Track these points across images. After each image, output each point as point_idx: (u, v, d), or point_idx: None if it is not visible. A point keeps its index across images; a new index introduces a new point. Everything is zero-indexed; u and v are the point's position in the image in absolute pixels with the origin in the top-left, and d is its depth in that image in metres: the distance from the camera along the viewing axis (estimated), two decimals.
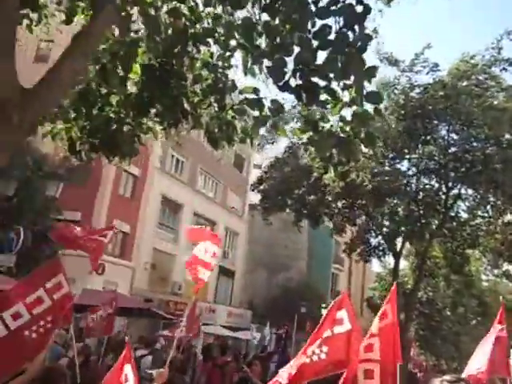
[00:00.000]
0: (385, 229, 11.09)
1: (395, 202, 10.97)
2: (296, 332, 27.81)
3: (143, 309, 17.73)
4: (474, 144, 9.67)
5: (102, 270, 20.39)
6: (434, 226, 12.04)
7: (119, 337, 19.49)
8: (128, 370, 3.97)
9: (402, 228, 10.81)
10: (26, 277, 5.39)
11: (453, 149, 10.04)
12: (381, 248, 12.91)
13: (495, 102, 10.05)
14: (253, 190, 15.72)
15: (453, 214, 12.46)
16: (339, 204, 11.98)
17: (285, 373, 4.43)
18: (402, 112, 10.25)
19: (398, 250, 12.03)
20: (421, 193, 11.30)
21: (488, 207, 11.92)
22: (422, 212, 10.97)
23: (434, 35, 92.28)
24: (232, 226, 32.30)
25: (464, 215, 12.65)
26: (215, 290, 30.30)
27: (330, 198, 11.59)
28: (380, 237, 12.34)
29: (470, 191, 11.89)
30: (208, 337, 24.77)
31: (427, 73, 10.42)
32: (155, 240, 24.76)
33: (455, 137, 9.99)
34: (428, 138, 10.19)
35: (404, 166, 10.72)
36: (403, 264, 21.89)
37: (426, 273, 15.72)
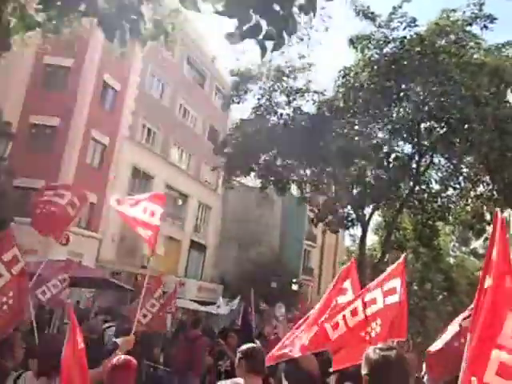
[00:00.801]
0: (353, 192, 10.57)
1: (363, 163, 10.41)
2: (264, 306, 27.77)
3: (109, 281, 17.24)
4: (450, 101, 9.13)
5: (66, 240, 19.71)
6: (403, 194, 11.61)
7: (83, 308, 19.09)
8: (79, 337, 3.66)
9: (369, 191, 10.30)
10: None
11: (427, 107, 9.46)
12: (349, 218, 12.45)
13: (475, 56, 9.58)
14: (216, 154, 14.96)
15: (424, 187, 12.08)
16: (307, 171, 11.44)
17: (294, 344, 4.08)
18: (375, 67, 9.70)
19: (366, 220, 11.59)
20: (392, 155, 10.77)
21: (460, 178, 11.56)
22: (391, 177, 10.48)
23: None
24: (205, 200, 31.80)
25: (436, 186, 12.32)
26: (186, 264, 29.92)
27: (296, 163, 11.01)
28: (349, 207, 11.85)
29: (442, 161, 11.50)
30: (178, 311, 24.57)
31: (404, 28, 9.83)
32: None
33: (430, 94, 9.41)
34: (401, 95, 9.63)
35: (376, 126, 10.09)
36: (372, 238, 21.64)
37: (394, 245, 15.51)
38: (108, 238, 22.94)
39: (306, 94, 10.13)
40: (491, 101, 8.78)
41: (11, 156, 11.03)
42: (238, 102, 11.64)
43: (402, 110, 9.83)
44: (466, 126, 9.19)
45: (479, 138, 9.06)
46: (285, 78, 9.99)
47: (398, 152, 10.62)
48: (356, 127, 9.87)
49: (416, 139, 10.48)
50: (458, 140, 10.00)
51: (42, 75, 21.44)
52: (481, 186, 11.61)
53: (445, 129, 10.19)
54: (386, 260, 20.38)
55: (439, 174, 11.76)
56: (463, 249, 23.21)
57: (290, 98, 10.29)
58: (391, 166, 10.61)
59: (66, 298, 10.21)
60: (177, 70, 28.42)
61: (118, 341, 5.58)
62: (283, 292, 29.62)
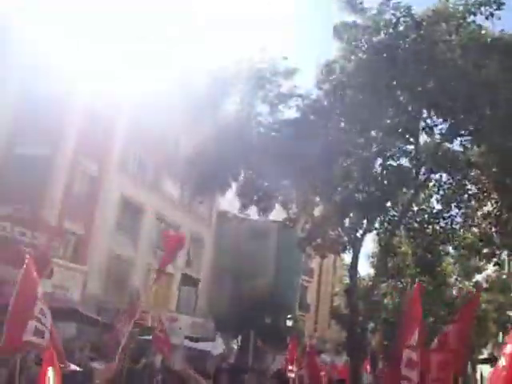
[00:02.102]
0: (337, 198, 9.41)
1: (348, 163, 9.26)
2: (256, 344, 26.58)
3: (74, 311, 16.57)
4: (453, 85, 8.17)
5: (49, 273, 18.82)
6: (400, 209, 10.51)
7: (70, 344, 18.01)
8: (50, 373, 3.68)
9: (356, 196, 9.14)
10: None
11: (426, 95, 8.41)
12: (340, 241, 11.44)
13: (482, 32, 8.65)
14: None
15: (424, 206, 11.10)
16: (293, 190, 10.56)
17: None
18: (364, 56, 8.82)
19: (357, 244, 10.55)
20: (388, 160, 9.57)
21: (465, 196, 10.61)
22: (384, 186, 9.36)
23: None
24: (197, 232, 30.94)
25: (437, 206, 11.32)
26: (178, 299, 28.83)
27: (280, 179, 10.10)
28: (340, 229, 10.85)
29: (444, 177, 10.58)
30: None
31: (398, 19, 8.85)
32: (112, 243, 23.22)
33: (429, 80, 8.38)
34: (394, 83, 8.64)
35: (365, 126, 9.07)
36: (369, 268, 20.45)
37: (391, 272, 14.40)
38: (95, 270, 22.00)
39: (289, 101, 9.30)
40: (503, 84, 7.79)
41: None
42: None
43: (395, 103, 8.76)
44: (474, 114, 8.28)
45: (489, 125, 8.09)
46: (268, 86, 9.17)
47: (393, 157, 9.43)
48: (342, 124, 8.90)
49: (414, 142, 9.46)
50: (465, 132, 9.14)
51: None
52: (488, 204, 10.69)
53: (449, 122, 9.19)
54: (377, 290, 19.28)
55: (440, 192, 10.83)
56: (466, 283, 22.10)
57: (273, 108, 9.42)
58: (384, 172, 9.54)
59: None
60: None
61: (99, 367, 5.53)
62: (277, 328, 28.50)
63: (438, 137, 9.59)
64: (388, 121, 8.78)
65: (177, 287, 28.82)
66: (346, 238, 10.73)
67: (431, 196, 10.86)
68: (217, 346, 25.77)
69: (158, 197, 26.68)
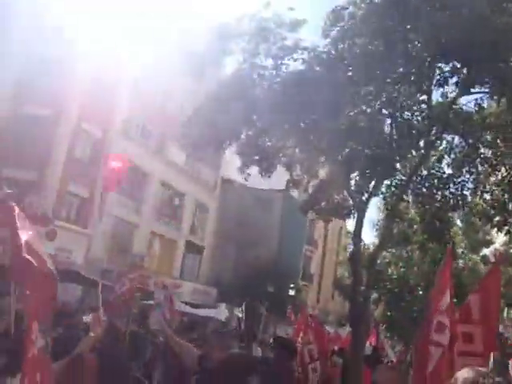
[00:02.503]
0: (342, 155, 8.93)
1: (355, 111, 8.77)
2: (263, 311, 26.74)
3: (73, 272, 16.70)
4: (471, 29, 7.55)
5: (52, 235, 18.86)
6: (408, 171, 10.06)
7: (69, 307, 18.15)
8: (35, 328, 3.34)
9: (366, 151, 8.64)
10: None
11: (443, 40, 7.85)
12: (345, 205, 10.98)
13: None
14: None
15: (433, 170, 10.54)
16: (297, 150, 10.12)
17: None
18: (376, 1, 8.36)
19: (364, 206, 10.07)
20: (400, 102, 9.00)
21: (478, 161, 10.10)
22: (393, 142, 8.93)
23: None
24: (202, 200, 30.86)
25: (448, 170, 10.78)
26: (181, 266, 28.98)
27: (289, 142, 9.66)
28: (345, 193, 10.38)
29: (456, 139, 10.03)
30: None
31: None
32: (116, 208, 23.19)
33: (443, 28, 7.85)
34: (408, 27, 8.08)
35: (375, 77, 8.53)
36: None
37: (398, 239, 13.91)
38: (99, 234, 22.03)
39: (294, 54, 8.77)
40: None
41: None
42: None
43: (407, 50, 8.18)
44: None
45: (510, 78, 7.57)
46: (271, 38, 8.68)
47: (403, 108, 8.85)
48: (350, 73, 8.34)
49: (426, 93, 8.90)
50: (482, 86, 8.64)
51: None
52: (502, 169, 10.19)
53: (464, 72, 8.61)
54: (381, 259, 18.76)
55: (452, 156, 10.34)
56: (473, 256, 21.47)
57: (277, 61, 8.88)
58: (394, 126, 9.03)
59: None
60: None
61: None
62: (280, 297, 28.62)
63: (451, 90, 9.02)
64: (400, 69, 8.28)
65: (181, 254, 28.94)
66: (351, 202, 10.31)
67: (441, 159, 10.37)
68: (220, 313, 26.07)
69: (162, 163, 26.48)
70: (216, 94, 8.95)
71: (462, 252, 20.99)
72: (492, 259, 22.53)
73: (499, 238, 26.44)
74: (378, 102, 8.75)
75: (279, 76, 8.77)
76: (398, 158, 8.87)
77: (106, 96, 22.30)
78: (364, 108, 8.87)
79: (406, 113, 9.01)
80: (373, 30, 7.68)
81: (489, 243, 23.34)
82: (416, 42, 8.14)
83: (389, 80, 8.28)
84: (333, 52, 8.37)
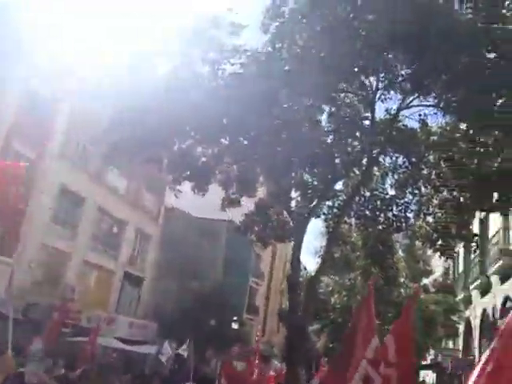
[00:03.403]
0: (281, 177, 8.22)
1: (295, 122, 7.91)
2: (199, 346, 25.34)
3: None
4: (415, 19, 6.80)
5: None
6: (349, 192, 9.50)
7: None
8: None
9: (306, 169, 8.04)
10: None
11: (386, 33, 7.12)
12: (286, 227, 10.24)
13: None
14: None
15: (376, 192, 10.12)
16: (235, 167, 9.39)
17: None
18: None
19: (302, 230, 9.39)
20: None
21: (420, 182, 9.73)
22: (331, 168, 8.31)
23: None
24: (144, 228, 29.43)
25: (391, 191, 10.34)
26: (118, 298, 27.20)
27: (219, 150, 8.84)
28: (285, 213, 9.73)
29: (400, 159, 9.61)
30: (107, 350, 21.97)
31: None
32: (46, 235, 21.47)
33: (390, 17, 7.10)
34: (351, 16, 7.29)
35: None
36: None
37: (340, 263, 13.25)
38: (24, 264, 20.18)
39: (232, 59, 8.09)
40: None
41: None
42: None
43: (350, 43, 7.49)
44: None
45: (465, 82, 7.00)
46: (209, 43, 7.96)
47: (346, 121, 8.26)
48: (286, 67, 7.62)
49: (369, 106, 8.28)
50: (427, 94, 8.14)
51: None
52: (445, 191, 9.86)
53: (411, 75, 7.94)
54: (324, 288, 17.77)
55: (395, 176, 9.95)
56: (414, 285, 21.35)
57: (215, 67, 8.14)
58: (336, 140, 8.48)
59: None
60: None
61: None
62: (222, 331, 27.36)
63: (395, 101, 8.60)
64: (345, 62, 7.65)
65: (118, 285, 27.22)
66: (291, 224, 9.65)
67: (385, 178, 9.99)
68: (161, 350, 24.48)
69: (101, 188, 25.04)
70: (144, 98, 8.00)
71: (404, 281, 20.91)
72: (432, 289, 22.54)
73: (438, 269, 26.73)
74: (319, 115, 8.24)
75: (216, 81, 8.00)
76: (339, 176, 8.36)
77: (43, 112, 20.92)
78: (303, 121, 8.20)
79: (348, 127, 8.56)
80: (314, 20, 7.00)
81: (429, 273, 23.39)
82: (364, 33, 7.37)
83: (328, 74, 7.56)
84: (269, 49, 7.63)
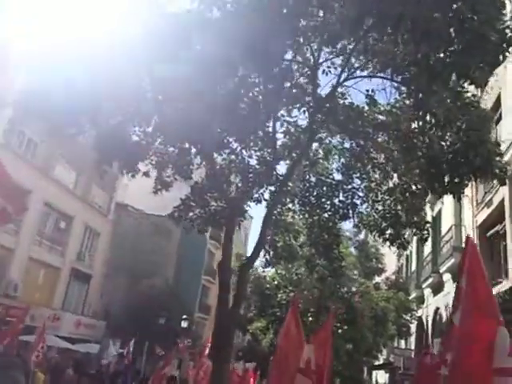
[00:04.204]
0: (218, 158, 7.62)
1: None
2: (149, 348, 24.88)
3: None
4: None
5: None
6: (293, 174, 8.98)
7: None
8: None
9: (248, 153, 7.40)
10: None
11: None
12: (224, 213, 9.65)
13: None
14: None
15: (322, 178, 9.69)
16: (171, 148, 8.85)
17: None
18: None
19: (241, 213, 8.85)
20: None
21: (369, 167, 9.38)
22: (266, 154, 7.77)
23: None
24: (93, 224, 28.56)
25: (338, 177, 9.86)
26: (64, 296, 26.25)
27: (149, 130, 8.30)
28: (223, 201, 9.12)
29: (346, 141, 9.20)
30: (50, 349, 21.07)
31: None
32: None
33: None
34: None
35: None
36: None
37: (283, 254, 12.33)
38: None
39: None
40: None
41: None
42: None
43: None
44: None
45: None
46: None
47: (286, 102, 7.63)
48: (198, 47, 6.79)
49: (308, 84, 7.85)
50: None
51: None
52: (395, 176, 9.53)
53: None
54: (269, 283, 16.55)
55: (342, 160, 9.58)
56: (364, 283, 21.13)
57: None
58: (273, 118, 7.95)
59: None
60: None
61: None
62: (171, 329, 26.91)
63: (340, 70, 7.94)
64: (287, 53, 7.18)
65: (65, 282, 26.28)
66: (230, 210, 9.10)
67: (330, 163, 9.62)
68: (107, 350, 23.81)
69: (47, 181, 24.11)
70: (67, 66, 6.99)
71: (355, 277, 20.50)
72: (384, 287, 22.73)
73: (391, 267, 27.08)
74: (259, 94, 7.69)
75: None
76: (280, 157, 7.88)
77: None
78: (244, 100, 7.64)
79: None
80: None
81: (381, 271, 23.55)
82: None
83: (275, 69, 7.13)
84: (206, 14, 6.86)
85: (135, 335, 23.28)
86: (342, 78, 8.00)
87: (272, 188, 8.94)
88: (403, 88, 7.75)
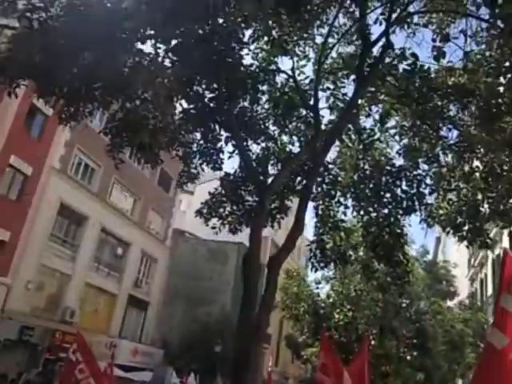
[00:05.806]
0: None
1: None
2: (205, 376, 23.92)
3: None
4: None
5: None
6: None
7: None
8: None
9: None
10: None
11: None
12: (239, 212, 8.24)
13: None
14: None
15: (371, 161, 7.76)
16: (198, 135, 7.91)
17: None
18: None
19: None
20: None
21: (438, 149, 7.44)
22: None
23: None
24: (150, 251, 28.39)
25: (398, 161, 7.95)
26: (121, 323, 26.01)
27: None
28: (241, 205, 7.77)
29: (408, 114, 7.37)
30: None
31: None
32: (45, 255, 20.61)
33: None
34: None
35: None
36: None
37: (332, 256, 10.21)
38: (20, 284, 19.29)
39: None
40: None
41: None
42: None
43: None
44: None
45: None
46: None
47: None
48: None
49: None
50: None
51: None
52: (475, 159, 7.41)
53: None
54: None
55: (405, 141, 7.62)
56: (438, 300, 18.53)
57: None
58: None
59: None
60: None
61: None
62: (227, 358, 25.84)
63: None
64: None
65: (121, 309, 26.07)
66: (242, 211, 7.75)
67: (389, 146, 7.85)
68: (163, 378, 23.16)
69: (104, 207, 24.24)
70: None
71: (423, 294, 18.18)
72: (457, 310, 20.62)
73: (463, 291, 24.73)
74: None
75: None
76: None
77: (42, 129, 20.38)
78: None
79: None
80: None
81: (453, 295, 21.36)
82: None
83: None
84: None
85: (191, 364, 22.51)
86: (392, 18, 6.54)
87: (318, 178, 7.60)
88: (483, 25, 5.79)
